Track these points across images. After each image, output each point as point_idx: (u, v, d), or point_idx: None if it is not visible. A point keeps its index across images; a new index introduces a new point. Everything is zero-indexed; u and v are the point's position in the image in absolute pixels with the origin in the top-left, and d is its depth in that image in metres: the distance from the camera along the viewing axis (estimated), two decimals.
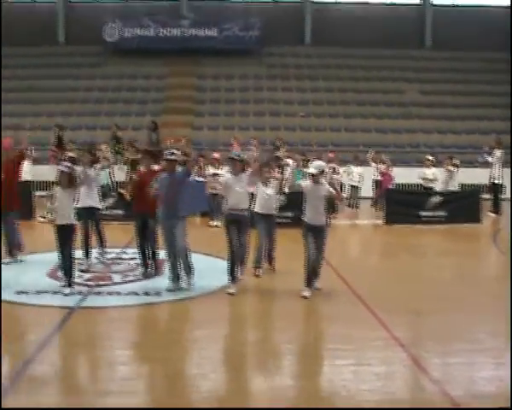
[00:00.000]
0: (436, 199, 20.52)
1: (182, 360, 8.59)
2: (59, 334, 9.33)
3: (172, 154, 11.83)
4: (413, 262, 15.20)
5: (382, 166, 23.87)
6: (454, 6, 41.10)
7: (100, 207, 14.22)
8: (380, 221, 20.77)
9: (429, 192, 21.62)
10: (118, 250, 14.96)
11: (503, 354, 8.50)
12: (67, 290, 11.23)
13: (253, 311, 10.94)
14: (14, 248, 13.78)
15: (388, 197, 21.12)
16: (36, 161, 22.34)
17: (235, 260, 11.54)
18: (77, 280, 11.88)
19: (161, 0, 40.47)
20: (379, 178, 23.86)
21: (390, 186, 22.99)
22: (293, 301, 11.01)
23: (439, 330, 9.63)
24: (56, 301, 10.83)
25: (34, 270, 13.03)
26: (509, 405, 6.71)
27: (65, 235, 11.41)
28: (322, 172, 11.43)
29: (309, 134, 32.29)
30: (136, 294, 11.30)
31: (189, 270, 11.77)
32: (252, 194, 13.06)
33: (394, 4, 40.71)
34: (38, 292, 11.23)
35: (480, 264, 16.13)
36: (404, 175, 25.68)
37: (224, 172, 20.60)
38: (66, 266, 11.41)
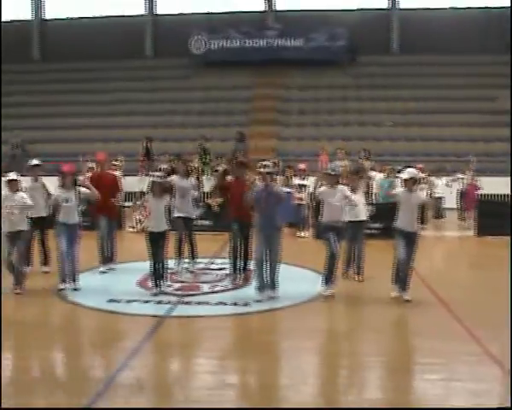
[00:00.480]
0: None
1: (271, 370, 8.53)
2: (149, 342, 9.39)
3: (265, 166, 11.96)
4: (506, 275, 14.62)
5: (469, 177, 23.36)
6: None
7: (194, 217, 14.45)
8: (470, 232, 20.33)
9: None
10: (206, 260, 15.03)
11: None
12: (155, 290, 11.84)
13: (342, 322, 10.84)
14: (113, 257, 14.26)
15: (480, 208, 20.60)
16: (125, 172, 22.64)
17: (335, 263, 11.80)
18: (167, 290, 12.00)
19: (247, 12, 40.59)
20: (464, 187, 23.28)
21: (476, 196, 22.48)
22: (382, 313, 10.88)
23: None
24: (147, 310, 10.95)
25: (125, 279, 13.23)
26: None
27: (157, 243, 11.81)
28: (414, 179, 11.60)
29: (397, 144, 31.86)
30: (225, 304, 11.33)
31: (273, 284, 11.83)
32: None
33: (488, 8, 39.59)
34: (129, 301, 11.36)
35: None
36: (496, 185, 24.99)
37: (310, 183, 20.68)
38: (158, 272, 11.83)
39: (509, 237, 18.76)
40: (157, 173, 12.83)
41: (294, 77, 37.38)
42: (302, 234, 20.00)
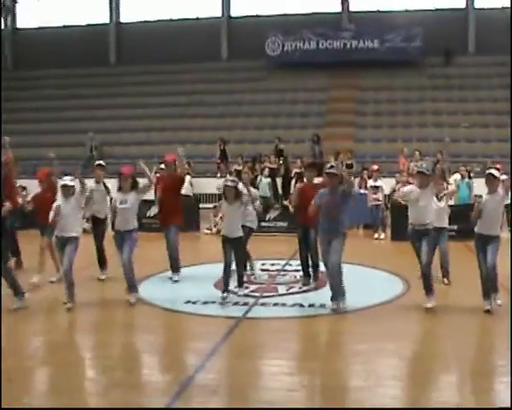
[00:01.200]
0: None
1: (345, 372, 8.56)
2: (226, 344, 9.49)
3: (332, 167, 11.28)
4: None
5: None
6: None
7: (254, 227, 13.99)
8: None
9: None
10: (283, 262, 15.12)
11: None
12: (223, 294, 11.77)
13: (421, 325, 10.70)
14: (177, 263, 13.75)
15: None
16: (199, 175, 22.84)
17: (428, 273, 11.13)
18: (244, 292, 12.11)
19: (322, 13, 40.55)
20: None
21: None
22: (464, 316, 10.75)
23: None
24: (223, 312, 11.09)
25: (202, 280, 13.39)
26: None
27: (231, 248, 11.79)
28: (497, 178, 10.80)
29: (474, 145, 31.45)
30: (302, 305, 11.38)
31: (340, 291, 11.18)
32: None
33: None
34: (206, 302, 11.51)
35: None
36: None
37: (383, 184, 20.63)
38: (228, 277, 11.85)
39: None
40: (230, 178, 12.67)
41: (369, 78, 37.20)
42: (379, 236, 19.97)
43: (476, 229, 10.90)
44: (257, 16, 41.37)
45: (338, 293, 11.10)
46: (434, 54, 37.26)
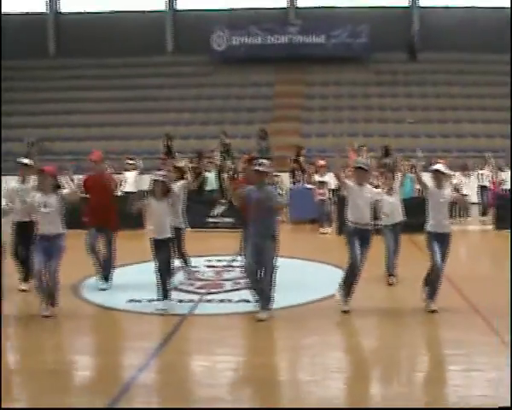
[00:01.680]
0: None
1: (291, 366, 8.57)
2: (171, 341, 9.37)
3: (261, 164, 10.48)
4: None
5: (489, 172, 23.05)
6: None
7: (184, 227, 12.92)
8: (489, 227, 20.65)
9: None
10: (229, 258, 15.00)
11: None
12: (160, 306, 10.74)
13: (366, 318, 10.68)
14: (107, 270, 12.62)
15: (498, 202, 20.89)
16: (145, 171, 22.52)
17: (352, 275, 10.58)
18: (188, 288, 11.99)
19: (268, 9, 40.48)
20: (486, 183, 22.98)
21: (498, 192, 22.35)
22: (405, 309, 10.86)
23: None
24: (168, 310, 10.88)
25: (147, 278, 13.14)
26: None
27: (160, 251, 10.81)
28: (444, 173, 10.75)
29: (418, 140, 31.73)
30: (247, 301, 11.22)
31: (270, 300, 10.38)
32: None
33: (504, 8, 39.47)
34: (151, 300, 11.25)
35: None
36: None
37: (330, 179, 20.66)
38: (161, 283, 10.82)
39: None
40: (159, 172, 11.44)
41: (316, 73, 37.33)
42: (324, 230, 19.99)
43: (427, 226, 10.60)
44: (203, 10, 41.04)
45: (267, 302, 10.32)
46: (380, 50, 37.46)
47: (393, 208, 12.73)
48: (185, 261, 13.07)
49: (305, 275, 13.51)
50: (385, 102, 35.23)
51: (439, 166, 10.87)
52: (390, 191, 12.74)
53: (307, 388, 7.61)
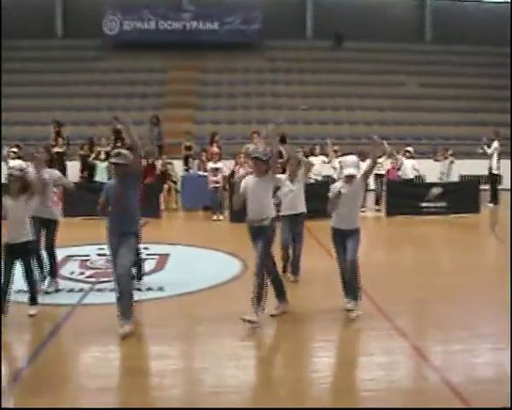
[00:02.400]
0: (437, 190, 20.48)
1: (184, 355, 8.55)
2: (58, 332, 9.15)
3: (119, 155, 9.23)
4: (414, 253, 15.41)
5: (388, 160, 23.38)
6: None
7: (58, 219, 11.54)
8: (381, 213, 21.12)
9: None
10: None
11: (502, 340, 8.51)
12: (33, 311, 9.84)
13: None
14: None
15: (389, 189, 21.30)
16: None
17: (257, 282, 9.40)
18: (79, 277, 11.72)
19: None
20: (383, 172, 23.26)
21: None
22: (298, 300, 10.70)
23: (440, 318, 9.65)
24: (57, 300, 10.70)
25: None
26: (508, 405, 6.53)
27: (16, 256, 9.62)
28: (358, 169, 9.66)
29: (311, 127, 32.14)
30: (139, 290, 11.08)
31: (129, 311, 9.08)
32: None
33: None
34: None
35: (480, 253, 15.99)
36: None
37: (223, 166, 20.64)
38: (32, 291, 9.94)
39: (416, 217, 19.55)
40: (16, 163, 10.17)
41: (210, 60, 37.20)
42: (217, 217, 19.94)
43: (332, 223, 9.78)
44: None
45: (127, 314, 9.02)
46: (274, 37, 37.63)
47: (295, 197, 11.88)
48: (51, 259, 11.29)
49: (198, 263, 13.44)
50: (279, 89, 35.47)
51: (350, 166, 9.55)
52: (293, 177, 11.91)
53: (200, 375, 7.61)
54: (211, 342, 8.61)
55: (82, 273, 12.27)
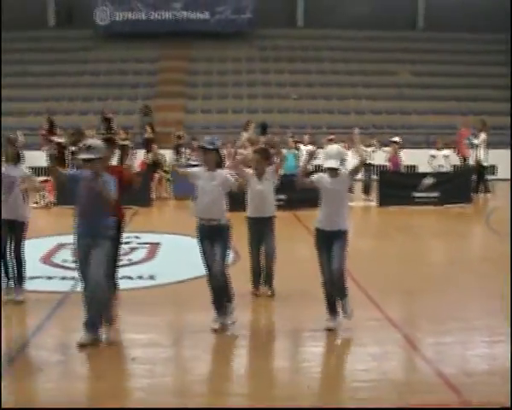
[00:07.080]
0: (429, 180, 20.46)
1: (177, 343, 8.59)
2: (52, 319, 9.26)
3: (90, 148, 8.07)
4: (406, 243, 15.30)
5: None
6: None
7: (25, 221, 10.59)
8: (373, 203, 20.98)
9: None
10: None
11: (494, 331, 8.61)
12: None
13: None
14: None
15: (381, 179, 21.23)
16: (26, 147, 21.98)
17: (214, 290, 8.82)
18: (71, 265, 11.81)
19: None
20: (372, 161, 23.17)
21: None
22: (290, 289, 10.60)
23: (432, 309, 9.66)
24: (50, 287, 10.83)
25: (28, 255, 12.86)
26: (500, 397, 6.58)
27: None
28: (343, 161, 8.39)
29: (302, 116, 32.22)
30: (130, 278, 11.22)
31: (106, 318, 8.39)
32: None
33: None
34: (32, 278, 11.00)
35: (472, 244, 16.21)
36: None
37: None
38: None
39: (408, 207, 19.53)
40: None
41: (200, 49, 37.20)
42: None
43: (316, 223, 8.66)
44: None
45: (96, 324, 8.17)
46: (264, 26, 37.66)
47: (263, 198, 10.17)
48: (19, 266, 10.38)
49: (189, 251, 13.40)
50: (269, 78, 35.52)
51: (332, 157, 8.30)
52: (260, 176, 10.13)
53: (190, 363, 7.79)
54: (201, 331, 8.66)
55: (75, 261, 12.38)
